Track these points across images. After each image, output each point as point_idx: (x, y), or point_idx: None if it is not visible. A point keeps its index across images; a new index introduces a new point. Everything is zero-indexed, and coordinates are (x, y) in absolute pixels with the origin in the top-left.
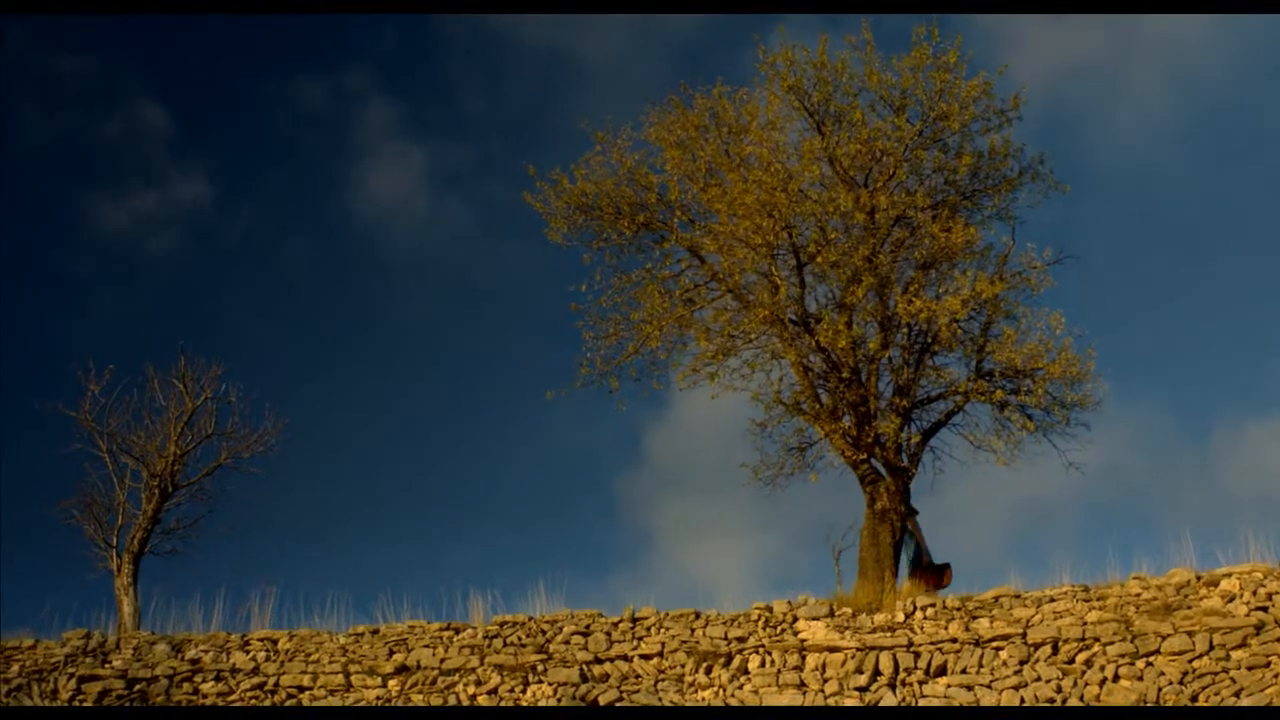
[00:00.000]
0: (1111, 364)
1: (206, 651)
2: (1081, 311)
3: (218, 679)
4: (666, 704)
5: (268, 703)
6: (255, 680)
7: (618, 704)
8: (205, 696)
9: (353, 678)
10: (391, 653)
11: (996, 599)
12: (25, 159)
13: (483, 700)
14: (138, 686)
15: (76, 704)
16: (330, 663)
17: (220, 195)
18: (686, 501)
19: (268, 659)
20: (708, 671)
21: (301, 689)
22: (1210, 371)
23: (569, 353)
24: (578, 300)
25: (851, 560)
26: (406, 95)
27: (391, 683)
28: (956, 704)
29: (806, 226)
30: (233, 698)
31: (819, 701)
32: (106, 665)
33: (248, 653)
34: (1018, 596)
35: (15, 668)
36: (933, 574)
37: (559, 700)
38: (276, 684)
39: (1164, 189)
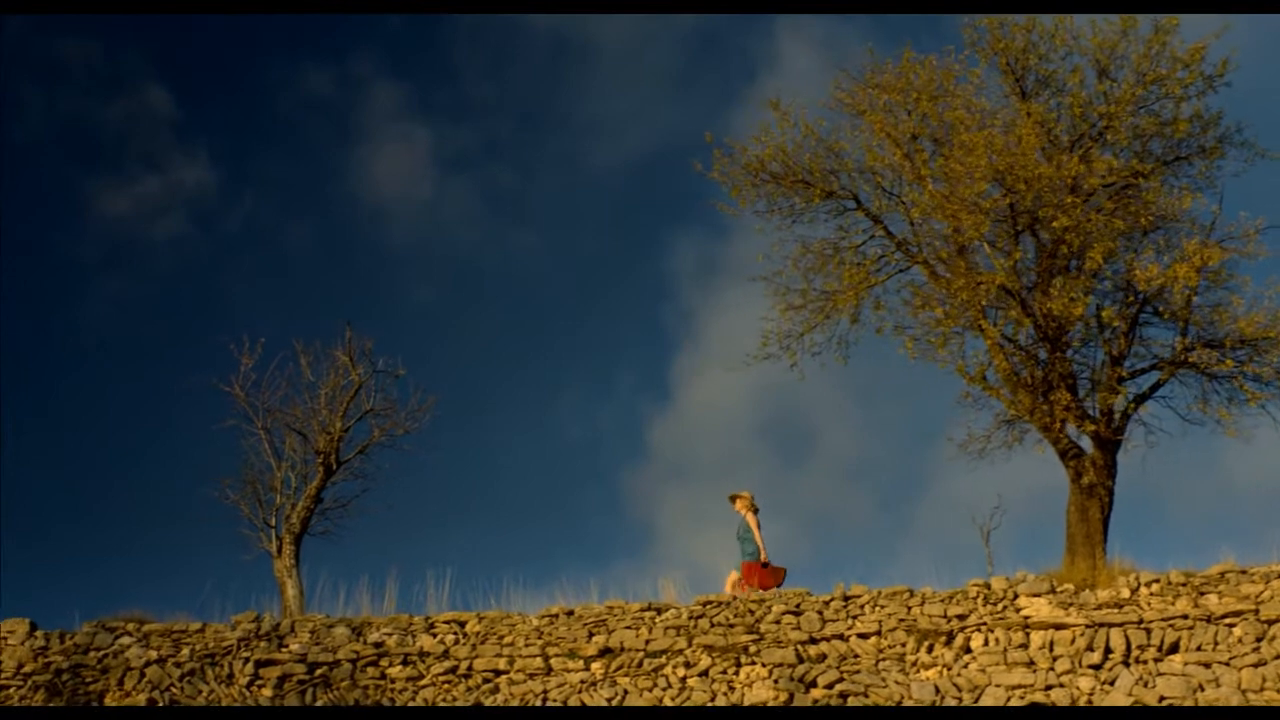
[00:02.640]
0: None
1: (390, 634)
2: None
3: (405, 663)
4: (891, 684)
5: (461, 687)
6: (447, 664)
7: (837, 685)
8: (393, 681)
9: (552, 661)
10: (591, 635)
11: (1222, 574)
12: (29, 144)
13: (694, 683)
14: (319, 671)
15: (254, 690)
16: (526, 645)
17: (223, 180)
18: (689, 493)
19: (457, 642)
20: (929, 650)
21: (497, 673)
22: None
23: (575, 340)
24: (756, 271)
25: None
26: (411, 79)
27: (595, 665)
28: (1195, 681)
29: (1031, 192)
30: (423, 682)
31: (1051, 680)
32: (283, 649)
33: (435, 636)
34: (1243, 572)
35: (185, 651)
36: (769, 575)
37: (775, 681)
38: (470, 668)
39: None
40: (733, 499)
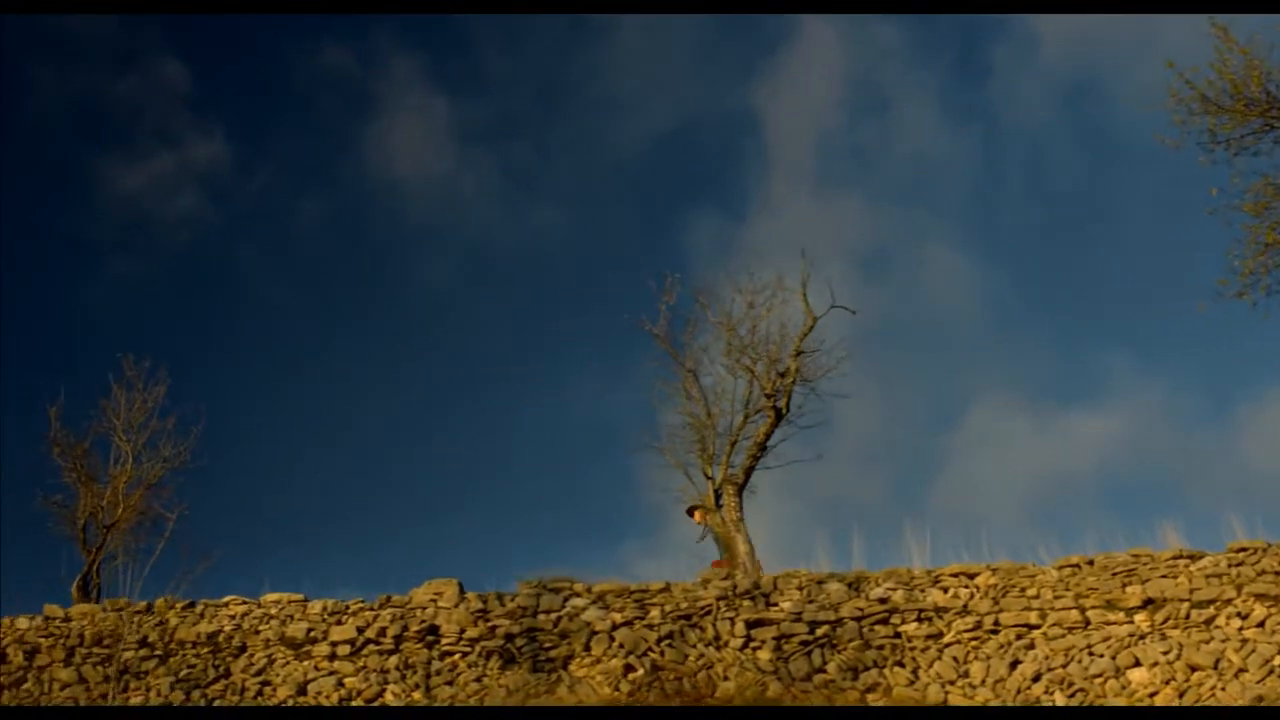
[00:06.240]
0: (1130, 338)
1: (894, 590)
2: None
3: (920, 620)
4: None
5: (991, 644)
6: (969, 620)
7: None
8: (910, 640)
9: (1089, 613)
10: (1125, 585)
11: None
12: (40, 119)
13: (1251, 634)
14: (820, 630)
15: (749, 651)
16: (1056, 598)
17: (237, 155)
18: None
19: (972, 596)
20: None
21: (1029, 627)
22: (1230, 343)
23: (591, 319)
24: (1210, 204)
25: None
26: (428, 50)
27: (1138, 617)
28: None
29: None
30: (946, 639)
31: None
32: (772, 608)
33: (945, 590)
34: None
35: (654, 613)
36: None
37: None
38: (996, 623)
39: (1186, 159)
40: (690, 511)
